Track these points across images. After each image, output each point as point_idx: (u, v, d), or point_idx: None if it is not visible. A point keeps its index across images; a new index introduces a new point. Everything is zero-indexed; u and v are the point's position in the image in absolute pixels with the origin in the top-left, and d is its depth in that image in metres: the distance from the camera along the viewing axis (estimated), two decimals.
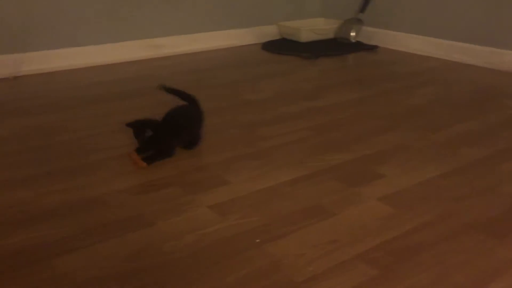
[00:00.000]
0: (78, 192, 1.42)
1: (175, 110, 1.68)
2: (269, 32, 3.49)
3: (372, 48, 3.23)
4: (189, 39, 3.15)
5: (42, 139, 1.80)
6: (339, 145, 1.74)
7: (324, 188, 1.44)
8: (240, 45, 3.35)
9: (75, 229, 1.24)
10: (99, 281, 1.05)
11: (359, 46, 3.27)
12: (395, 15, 3.21)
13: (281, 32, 3.51)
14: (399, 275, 1.07)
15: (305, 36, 3.36)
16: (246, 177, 1.51)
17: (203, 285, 1.04)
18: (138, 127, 1.58)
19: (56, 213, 1.30)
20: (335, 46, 3.29)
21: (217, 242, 1.19)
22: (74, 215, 1.30)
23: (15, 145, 1.75)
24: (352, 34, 3.33)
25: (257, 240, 1.19)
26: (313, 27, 3.46)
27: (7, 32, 2.57)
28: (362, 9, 3.32)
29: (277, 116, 2.03)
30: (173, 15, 3.07)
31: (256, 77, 2.61)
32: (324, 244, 1.18)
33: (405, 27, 3.17)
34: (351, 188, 1.44)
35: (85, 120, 1.98)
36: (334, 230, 1.23)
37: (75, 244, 1.17)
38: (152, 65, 2.85)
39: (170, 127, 1.61)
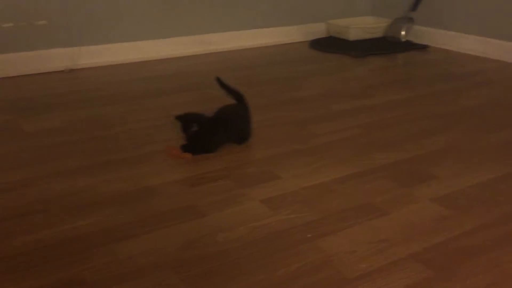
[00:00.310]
0: (135, 182, 1.47)
1: (224, 108, 1.71)
2: (317, 30, 3.48)
3: (423, 48, 3.17)
4: (237, 36, 3.18)
5: (99, 130, 1.87)
6: (390, 144, 1.73)
7: (375, 187, 1.44)
8: (287, 42, 3.36)
9: (133, 216, 1.28)
10: (157, 267, 1.09)
11: (409, 45, 3.21)
12: (448, 13, 3.14)
13: (330, 30, 3.49)
14: (455, 276, 1.06)
15: (354, 34, 3.34)
16: (296, 172, 1.53)
17: (255, 276, 1.07)
18: (186, 121, 1.62)
19: (115, 201, 1.36)
20: (384, 45, 3.24)
21: (269, 235, 1.21)
22: (132, 203, 1.35)
23: (73, 135, 1.82)
24: (402, 33, 3.28)
25: (308, 235, 1.21)
26: (362, 25, 3.42)
27: (65, 27, 2.67)
28: (414, 7, 3.26)
29: (326, 113, 2.03)
30: (223, 12, 3.11)
31: (305, 75, 2.62)
32: (376, 243, 1.18)
33: (458, 26, 3.09)
34: (403, 188, 1.43)
35: (139, 113, 2.04)
36: (386, 229, 1.23)
37: (134, 231, 1.22)
38: (201, 61, 2.90)
39: (216, 124, 1.65)
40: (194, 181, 1.48)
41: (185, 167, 1.56)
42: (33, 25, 2.60)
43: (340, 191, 1.42)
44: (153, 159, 1.62)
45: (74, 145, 1.73)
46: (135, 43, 2.88)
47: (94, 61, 2.77)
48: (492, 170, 1.53)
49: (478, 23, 2.98)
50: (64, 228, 1.23)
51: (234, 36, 3.17)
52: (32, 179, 1.47)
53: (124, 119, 1.98)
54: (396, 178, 1.48)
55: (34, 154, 1.65)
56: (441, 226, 1.24)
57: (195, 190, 1.42)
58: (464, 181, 1.46)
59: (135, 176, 1.50)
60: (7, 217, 1.27)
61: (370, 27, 3.44)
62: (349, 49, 3.11)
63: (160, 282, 1.05)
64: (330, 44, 3.27)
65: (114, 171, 1.53)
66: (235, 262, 1.11)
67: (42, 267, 1.09)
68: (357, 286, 1.03)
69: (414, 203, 1.35)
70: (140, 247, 1.16)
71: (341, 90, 2.36)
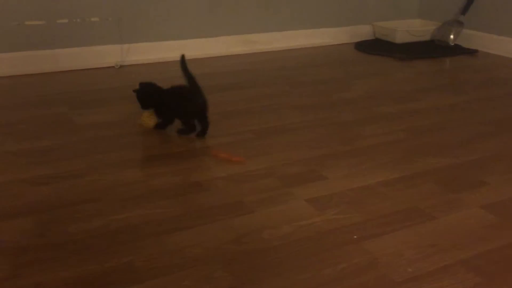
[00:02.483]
0: (183, 176, 1.50)
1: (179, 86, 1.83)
2: (363, 31, 3.45)
3: (472, 52, 3.09)
4: (282, 36, 3.19)
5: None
6: (438, 149, 1.70)
7: (422, 191, 1.42)
8: (333, 44, 3.34)
9: (182, 209, 1.32)
10: (205, 260, 1.11)
11: (457, 50, 3.14)
12: (500, 18, 3.05)
13: (376, 32, 3.46)
14: (505, 285, 1.03)
15: (401, 37, 3.29)
16: (342, 174, 1.52)
17: (300, 274, 1.08)
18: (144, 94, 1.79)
19: (164, 194, 1.39)
20: (432, 49, 3.19)
21: (314, 234, 1.22)
22: (181, 197, 1.38)
23: (123, 129, 1.87)
24: (451, 36, 3.21)
25: (355, 237, 1.21)
26: (409, 28, 3.37)
27: (116, 24, 2.75)
28: (464, 11, 3.19)
29: (372, 116, 2.02)
30: (269, 12, 3.13)
31: (350, 77, 2.60)
32: (424, 247, 1.16)
33: (509, 31, 3.00)
34: (451, 193, 1.40)
35: None
36: (434, 234, 1.22)
37: (183, 224, 1.25)
38: (247, 60, 2.93)
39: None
40: (240, 178, 1.50)
41: (232, 164, 1.58)
42: (86, 22, 2.69)
43: (386, 194, 1.41)
44: (200, 155, 1.65)
45: (123, 138, 1.79)
46: (182, 41, 2.94)
47: (142, 58, 2.84)
48: None
49: None
50: (115, 218, 1.27)
51: (279, 36, 3.18)
52: (85, 170, 1.53)
53: None
54: (444, 183, 1.46)
55: (86, 146, 1.71)
56: (491, 234, 1.21)
57: (241, 187, 1.44)
58: None
59: (183, 171, 1.53)
60: (62, 205, 1.33)
61: (417, 30, 3.38)
62: (395, 51, 3.07)
63: (208, 274, 1.07)
64: (376, 46, 3.23)
65: (163, 165, 1.57)
66: (281, 259, 1.13)
67: (95, 254, 1.13)
68: None
69: (463, 209, 1.33)
70: (189, 239, 1.19)
71: (387, 93, 2.33)
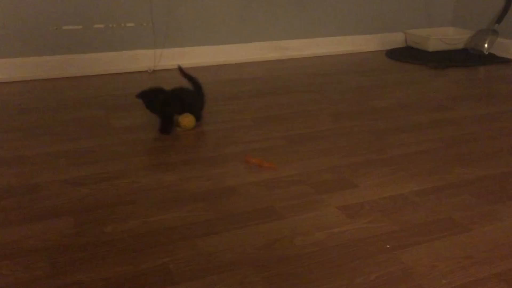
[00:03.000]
0: (215, 180, 1.52)
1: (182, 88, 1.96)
2: (394, 39, 3.43)
3: (506, 61, 3.04)
4: (314, 43, 3.20)
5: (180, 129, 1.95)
6: (473, 160, 1.68)
7: (456, 202, 1.40)
8: (363, 51, 3.33)
9: (215, 214, 1.33)
10: (238, 264, 1.13)
11: (492, 59, 3.09)
12: None
13: (408, 40, 3.43)
14: None
15: (433, 45, 3.26)
16: (374, 182, 1.52)
17: (333, 282, 1.08)
18: (148, 97, 1.89)
19: (197, 198, 1.42)
20: (465, 57, 3.14)
21: (347, 242, 1.22)
22: (213, 201, 1.40)
23: (156, 132, 1.91)
24: (485, 45, 3.16)
25: (388, 246, 1.20)
26: (442, 36, 3.33)
27: (150, 29, 2.81)
28: (499, 20, 3.14)
29: (405, 124, 2.00)
30: (300, 19, 3.14)
31: (382, 85, 2.59)
32: (459, 259, 1.15)
33: None
34: (487, 205, 1.39)
35: (219, 114, 2.11)
36: (468, 246, 1.20)
37: (216, 228, 1.27)
38: (278, 66, 2.94)
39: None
40: (272, 184, 1.51)
41: (263, 170, 1.59)
42: (121, 27, 2.75)
43: (420, 204, 1.40)
44: (232, 160, 1.67)
45: (157, 142, 1.82)
46: (213, 47, 2.98)
47: (175, 63, 2.88)
48: None
49: None
50: (151, 220, 1.30)
51: (310, 43, 3.19)
52: (121, 172, 1.56)
53: (204, 119, 2.05)
54: (479, 195, 1.44)
55: (122, 149, 1.75)
56: None
57: (272, 193, 1.45)
58: None
59: (216, 175, 1.56)
60: (100, 206, 1.37)
61: (450, 38, 3.34)
62: (428, 60, 3.04)
63: (242, 279, 1.08)
64: (408, 54, 3.21)
65: (196, 169, 1.60)
66: (313, 266, 1.13)
67: (131, 255, 1.16)
68: None
69: (499, 221, 1.31)
70: (222, 243, 1.20)
71: (419, 102, 2.31)
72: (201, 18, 2.91)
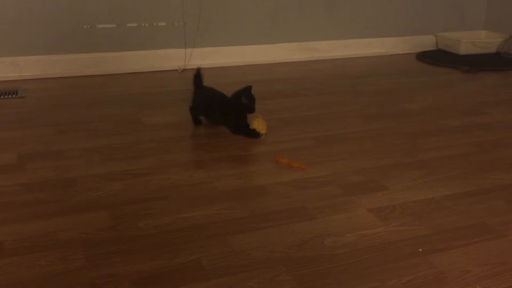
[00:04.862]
0: (246, 179, 1.54)
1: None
2: (425, 42, 3.39)
3: None
4: (344, 45, 3.19)
5: (210, 127, 1.96)
6: (506, 165, 1.65)
7: (490, 208, 1.38)
8: (393, 53, 3.31)
9: (246, 212, 1.35)
10: (269, 263, 1.14)
11: None
12: None
13: (439, 43, 3.39)
14: None
15: (465, 48, 3.21)
16: (405, 185, 1.51)
17: (364, 284, 1.08)
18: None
19: (228, 196, 1.43)
20: (498, 61, 3.09)
21: (378, 245, 1.21)
22: (245, 199, 1.41)
23: (187, 130, 1.94)
24: None
25: (420, 250, 1.19)
26: (474, 40, 3.28)
27: (181, 29, 2.84)
28: None
29: (437, 128, 1.98)
30: (330, 21, 3.13)
31: (413, 87, 2.57)
32: (493, 265, 1.14)
33: None
34: None
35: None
36: (503, 252, 1.18)
37: (247, 226, 1.28)
38: (308, 67, 2.94)
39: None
40: (302, 184, 1.51)
41: (293, 170, 1.60)
42: (154, 26, 2.79)
43: (451, 208, 1.38)
44: (263, 159, 1.68)
45: (187, 140, 1.85)
46: (243, 47, 2.99)
47: (204, 62, 2.91)
48: None
49: None
50: (182, 216, 1.32)
51: (340, 44, 3.18)
52: (153, 169, 1.59)
53: None
54: None
55: (154, 146, 1.78)
56: None
57: (304, 193, 1.46)
58: None
59: (247, 174, 1.57)
60: (134, 201, 1.39)
61: (482, 41, 3.29)
62: (459, 63, 3.00)
63: (273, 277, 1.09)
64: (438, 57, 3.17)
65: (227, 167, 1.61)
66: (345, 267, 1.13)
67: (163, 250, 1.18)
68: None
69: None
70: (253, 241, 1.21)
71: (451, 105, 2.28)
72: (231, 18, 2.93)
